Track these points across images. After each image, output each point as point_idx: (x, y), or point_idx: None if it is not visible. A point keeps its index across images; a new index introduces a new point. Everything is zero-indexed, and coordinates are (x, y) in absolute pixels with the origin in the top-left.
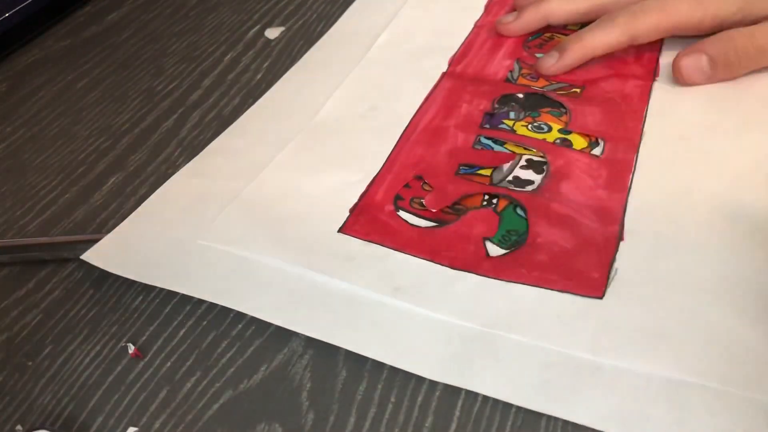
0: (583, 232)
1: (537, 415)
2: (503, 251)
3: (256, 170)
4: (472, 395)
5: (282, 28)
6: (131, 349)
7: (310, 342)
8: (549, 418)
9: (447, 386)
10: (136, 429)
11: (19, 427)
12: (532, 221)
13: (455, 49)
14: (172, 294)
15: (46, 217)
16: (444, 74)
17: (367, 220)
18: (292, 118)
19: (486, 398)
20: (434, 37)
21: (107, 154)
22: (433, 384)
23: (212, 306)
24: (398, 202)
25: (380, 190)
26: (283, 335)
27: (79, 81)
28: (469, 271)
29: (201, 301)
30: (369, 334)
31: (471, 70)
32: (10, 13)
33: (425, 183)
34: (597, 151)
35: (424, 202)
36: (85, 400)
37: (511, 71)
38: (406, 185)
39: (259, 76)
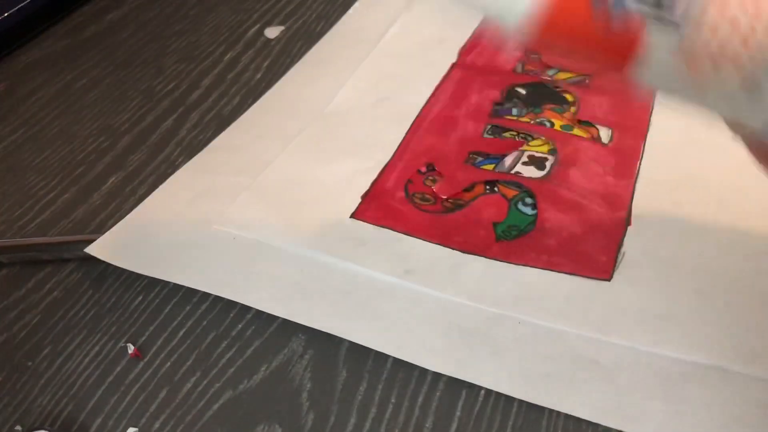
0: (591, 217)
1: (538, 416)
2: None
3: (262, 164)
4: (473, 395)
5: (281, 28)
6: (131, 349)
7: (310, 342)
8: (550, 418)
9: (448, 386)
10: (136, 429)
11: (18, 427)
12: (541, 207)
13: (465, 41)
14: (171, 294)
15: (45, 217)
16: (454, 65)
17: (378, 206)
18: (300, 112)
19: (487, 398)
20: (444, 29)
21: (107, 154)
22: (434, 384)
23: (212, 306)
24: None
25: (391, 177)
26: (283, 335)
27: (78, 81)
28: (479, 255)
29: (201, 301)
30: (370, 325)
31: (480, 61)
32: (10, 12)
33: (428, 177)
34: (605, 139)
35: (434, 189)
36: (84, 401)
37: (520, 61)
38: (418, 171)
39: (258, 76)
